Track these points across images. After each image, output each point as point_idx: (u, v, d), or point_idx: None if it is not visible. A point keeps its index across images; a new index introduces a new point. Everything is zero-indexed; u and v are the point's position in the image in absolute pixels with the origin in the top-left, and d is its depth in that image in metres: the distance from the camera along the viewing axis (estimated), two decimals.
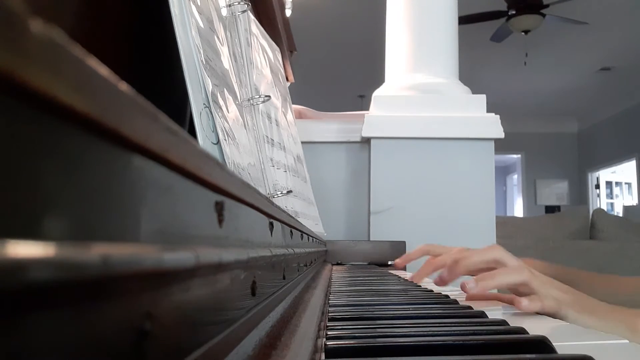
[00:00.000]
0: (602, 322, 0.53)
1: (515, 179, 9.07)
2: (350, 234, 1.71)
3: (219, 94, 0.59)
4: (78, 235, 0.10)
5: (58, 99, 0.09)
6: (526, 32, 4.37)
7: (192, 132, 0.52)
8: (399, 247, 1.50)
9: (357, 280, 0.92)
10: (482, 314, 0.48)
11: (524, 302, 0.55)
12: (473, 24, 4.21)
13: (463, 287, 0.60)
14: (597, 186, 7.87)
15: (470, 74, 3.90)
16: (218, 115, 0.56)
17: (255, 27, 0.95)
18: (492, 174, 1.66)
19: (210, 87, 0.56)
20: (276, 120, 0.97)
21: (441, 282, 0.74)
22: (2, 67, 0.08)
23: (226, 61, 0.68)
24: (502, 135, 1.63)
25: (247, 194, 0.27)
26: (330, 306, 0.52)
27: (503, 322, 0.42)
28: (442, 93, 1.69)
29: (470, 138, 1.64)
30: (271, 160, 0.84)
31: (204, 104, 0.54)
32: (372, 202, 1.64)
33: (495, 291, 0.70)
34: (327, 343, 0.33)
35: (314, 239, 0.87)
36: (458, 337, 0.35)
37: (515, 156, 8.44)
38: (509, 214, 9.08)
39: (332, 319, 0.45)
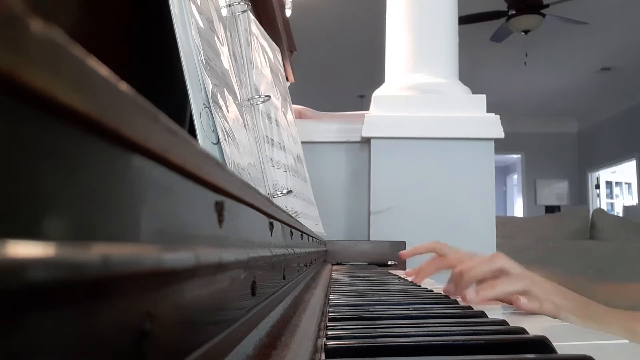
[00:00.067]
0: (602, 327, 0.53)
1: (515, 179, 9.07)
2: (350, 234, 1.71)
3: (219, 94, 0.59)
4: (78, 235, 0.10)
5: (58, 99, 0.09)
6: (526, 32, 4.37)
7: (192, 132, 0.52)
8: (399, 247, 1.50)
9: (357, 280, 0.92)
10: (482, 314, 0.48)
11: (523, 300, 0.55)
12: (473, 24, 4.21)
13: (464, 297, 0.61)
14: (597, 186, 7.86)
15: (470, 74, 3.90)
16: (218, 115, 0.56)
17: (255, 27, 0.95)
18: (492, 174, 1.66)
19: (210, 87, 0.56)
20: (276, 120, 0.97)
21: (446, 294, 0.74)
22: (2, 67, 0.08)
23: (226, 61, 0.68)
24: (502, 135, 1.63)
25: (247, 194, 0.27)
26: (330, 306, 0.52)
27: (503, 322, 0.42)
28: (442, 93, 1.69)
29: (470, 138, 1.64)
30: (271, 160, 0.84)
31: (204, 104, 0.54)
32: (372, 202, 1.64)
33: None
34: (327, 343, 0.33)
35: (314, 239, 0.87)
36: (458, 337, 0.35)
37: (515, 156, 8.44)
38: (509, 214, 9.08)
39: (332, 319, 0.45)
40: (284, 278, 0.41)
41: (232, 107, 0.65)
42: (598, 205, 7.59)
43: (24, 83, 0.08)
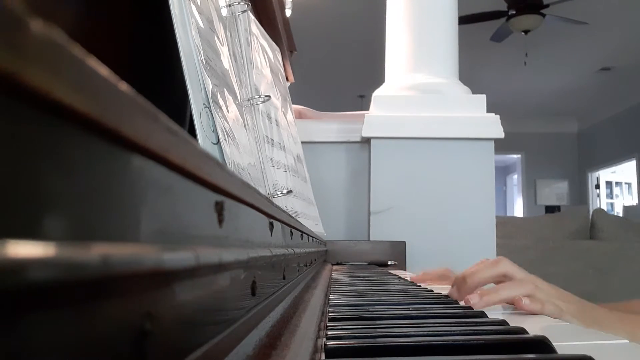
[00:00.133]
0: (605, 331, 0.53)
1: (515, 179, 9.07)
2: (350, 234, 1.71)
3: (219, 94, 0.59)
4: (78, 235, 0.10)
5: (58, 99, 0.09)
6: (526, 32, 4.37)
7: (192, 132, 0.52)
8: (399, 247, 1.50)
9: (357, 280, 0.92)
10: (482, 314, 0.48)
11: (525, 300, 0.55)
12: (473, 24, 4.21)
13: (467, 302, 0.60)
14: (597, 186, 7.86)
15: (470, 74, 3.90)
16: (218, 115, 0.56)
17: (255, 27, 0.95)
18: (492, 174, 1.66)
19: (210, 87, 0.56)
20: (276, 120, 0.97)
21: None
22: (2, 67, 0.08)
23: (226, 61, 0.68)
24: (502, 135, 1.63)
25: (247, 194, 0.27)
26: (330, 306, 0.52)
27: (503, 322, 0.42)
28: (442, 93, 1.69)
29: (470, 138, 1.64)
30: (271, 160, 0.84)
31: (204, 104, 0.54)
32: (372, 202, 1.64)
33: None
34: (327, 343, 0.33)
35: (314, 239, 0.87)
36: (458, 337, 0.35)
37: (515, 156, 8.44)
38: (509, 214, 9.08)
39: (332, 319, 0.45)
40: (284, 278, 0.41)
41: (232, 107, 0.65)
42: (598, 205, 7.59)
43: (24, 83, 0.08)
